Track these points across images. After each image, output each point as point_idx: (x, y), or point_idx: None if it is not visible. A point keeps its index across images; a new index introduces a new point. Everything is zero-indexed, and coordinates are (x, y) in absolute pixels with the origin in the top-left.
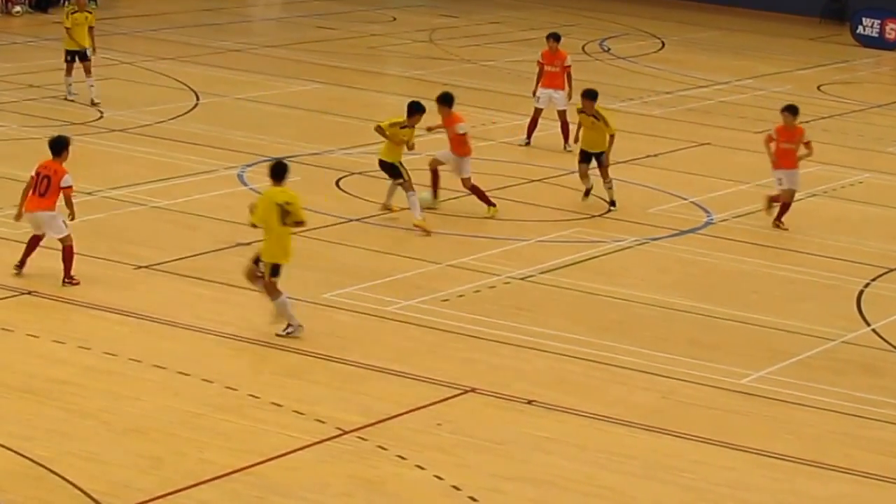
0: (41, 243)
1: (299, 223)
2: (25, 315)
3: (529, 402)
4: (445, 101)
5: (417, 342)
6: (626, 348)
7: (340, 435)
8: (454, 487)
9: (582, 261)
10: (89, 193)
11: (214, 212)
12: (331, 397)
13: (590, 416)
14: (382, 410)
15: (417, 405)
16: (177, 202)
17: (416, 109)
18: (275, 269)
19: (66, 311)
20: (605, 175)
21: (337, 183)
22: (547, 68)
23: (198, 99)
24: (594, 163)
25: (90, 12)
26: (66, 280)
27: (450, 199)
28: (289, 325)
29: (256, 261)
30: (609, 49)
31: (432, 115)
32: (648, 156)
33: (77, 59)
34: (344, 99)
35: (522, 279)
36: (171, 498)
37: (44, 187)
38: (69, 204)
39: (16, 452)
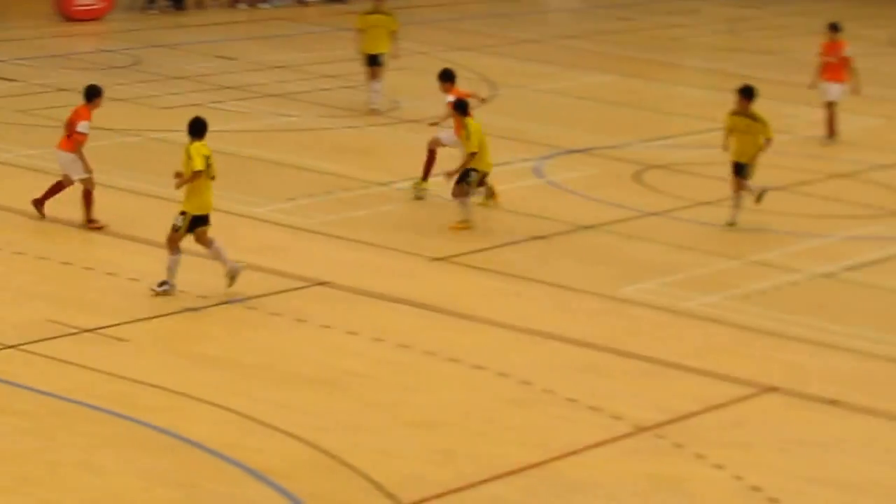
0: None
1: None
2: (319, 306)
3: (832, 403)
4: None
5: (716, 339)
6: None
7: (636, 432)
8: (754, 488)
9: (889, 258)
10: (383, 185)
11: (510, 204)
12: (627, 394)
13: None
14: (680, 408)
15: (716, 403)
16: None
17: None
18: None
19: (360, 303)
20: (739, 187)
21: (635, 176)
22: (825, 59)
23: (494, 90)
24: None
25: (388, 14)
26: (88, 223)
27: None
28: (165, 282)
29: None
30: None
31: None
32: None
33: (373, 63)
34: (641, 91)
35: (825, 276)
36: (463, 492)
37: (69, 129)
38: (79, 151)
39: (308, 443)
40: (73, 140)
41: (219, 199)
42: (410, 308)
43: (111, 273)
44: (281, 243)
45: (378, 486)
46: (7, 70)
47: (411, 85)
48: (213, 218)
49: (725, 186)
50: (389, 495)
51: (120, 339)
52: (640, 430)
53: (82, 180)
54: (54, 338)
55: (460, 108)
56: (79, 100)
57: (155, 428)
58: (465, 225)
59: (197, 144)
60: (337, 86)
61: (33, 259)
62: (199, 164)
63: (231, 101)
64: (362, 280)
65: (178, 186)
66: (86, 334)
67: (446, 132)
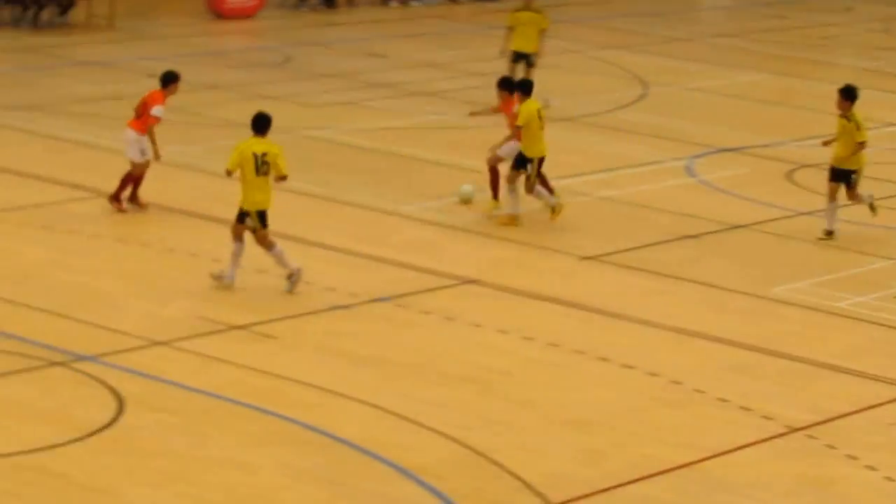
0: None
1: (282, 178)
2: (468, 304)
3: None
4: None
5: (869, 339)
6: None
7: (788, 433)
8: None
9: None
10: None
11: (662, 203)
12: (778, 394)
13: None
14: (832, 409)
15: (868, 404)
16: (623, 192)
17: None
18: (261, 218)
19: (510, 301)
20: (853, 197)
21: (787, 175)
22: None
23: (645, 88)
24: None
25: (538, 12)
26: (113, 199)
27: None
28: (291, 274)
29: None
30: None
31: None
32: None
33: (521, 61)
34: (794, 89)
35: None
36: (612, 492)
37: (140, 110)
38: (151, 134)
39: (457, 441)
40: (143, 121)
41: (368, 197)
42: (560, 307)
43: (261, 270)
44: (430, 241)
45: (526, 485)
46: (159, 67)
47: (562, 83)
48: (366, 216)
49: (879, 186)
50: (538, 494)
51: (269, 336)
52: (792, 430)
53: (137, 164)
54: (203, 334)
55: (524, 87)
56: (229, 97)
57: (303, 425)
58: (511, 220)
59: (250, 141)
60: (487, 84)
61: (184, 256)
62: (230, 165)
63: (381, 99)
64: (512, 278)
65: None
66: (235, 331)
67: (506, 146)
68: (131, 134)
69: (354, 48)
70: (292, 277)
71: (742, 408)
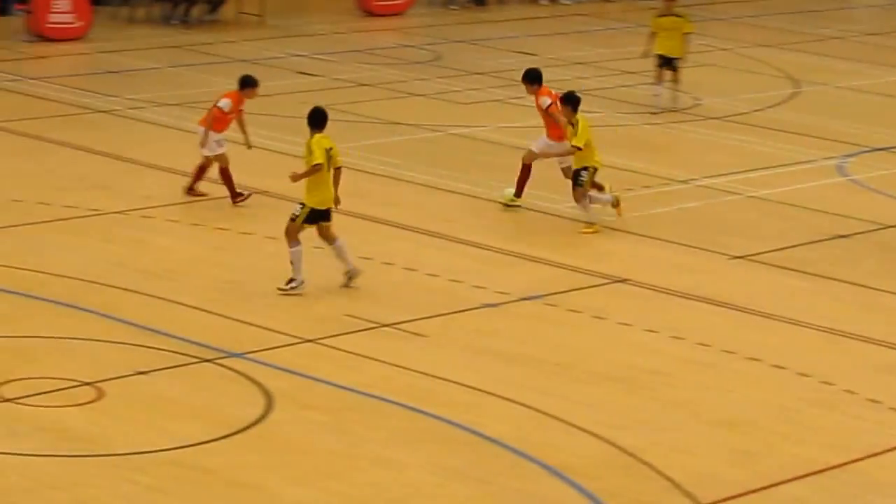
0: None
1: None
2: (618, 303)
3: None
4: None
5: None
6: None
7: None
8: None
9: None
10: (684, 182)
11: (813, 202)
12: None
13: None
14: None
15: None
16: (774, 192)
17: None
18: (312, 216)
19: (660, 300)
20: None
21: None
22: None
23: (797, 87)
24: None
25: (680, 16)
26: (233, 199)
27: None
28: (292, 280)
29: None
30: None
31: None
32: None
33: (666, 65)
34: None
35: None
36: (762, 493)
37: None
38: (207, 122)
39: (606, 441)
40: (209, 114)
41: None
42: (710, 306)
43: (410, 268)
44: (580, 240)
45: (675, 485)
46: (308, 65)
47: (713, 82)
48: (515, 214)
49: None
50: (687, 494)
51: (417, 335)
52: None
53: (216, 156)
54: (352, 332)
55: (571, 101)
56: (378, 94)
57: (452, 423)
58: (593, 229)
59: (317, 137)
60: (637, 82)
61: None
62: (318, 157)
63: (529, 97)
64: (662, 277)
65: (295, 180)
66: (384, 329)
67: (539, 141)
68: (201, 129)
69: (504, 46)
70: (292, 284)
71: (894, 409)
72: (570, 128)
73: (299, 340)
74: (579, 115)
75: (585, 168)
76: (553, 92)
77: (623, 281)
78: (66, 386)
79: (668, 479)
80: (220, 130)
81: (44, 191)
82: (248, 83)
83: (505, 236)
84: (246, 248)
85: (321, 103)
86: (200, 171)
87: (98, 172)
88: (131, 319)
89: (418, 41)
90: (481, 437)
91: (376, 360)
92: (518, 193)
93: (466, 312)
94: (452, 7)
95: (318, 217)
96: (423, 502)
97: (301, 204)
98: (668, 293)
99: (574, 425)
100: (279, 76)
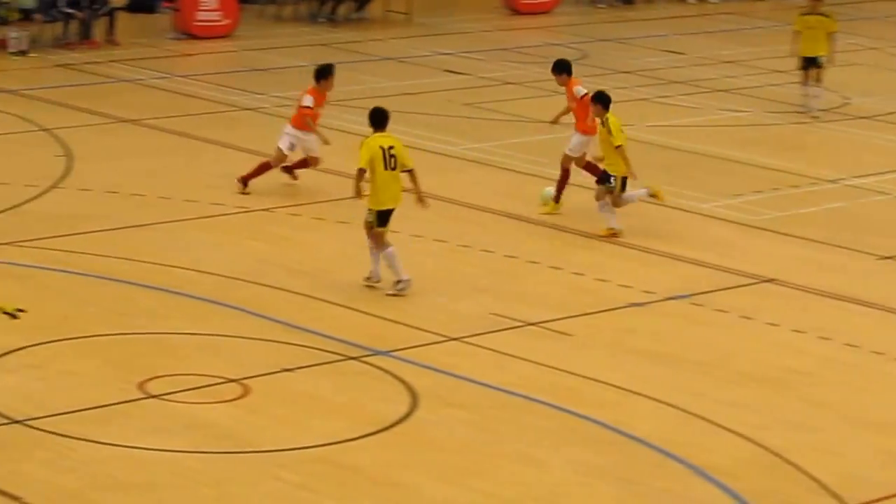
0: None
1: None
2: (765, 302)
3: None
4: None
5: None
6: None
7: None
8: None
9: None
10: (832, 181)
11: None
12: None
13: None
14: None
15: None
16: None
17: None
18: (381, 217)
19: (807, 301)
20: None
21: None
22: None
23: None
24: None
25: (826, 15)
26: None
27: None
28: (398, 282)
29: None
30: None
31: None
32: None
33: (810, 66)
34: None
35: None
36: None
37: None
38: (308, 125)
39: (751, 441)
40: (299, 114)
41: (665, 194)
42: (858, 307)
43: (556, 267)
44: (728, 239)
45: (822, 486)
46: (455, 63)
47: (862, 81)
48: (661, 213)
49: None
50: (834, 496)
51: (563, 334)
52: None
53: (309, 157)
54: (498, 331)
55: (602, 99)
56: (524, 93)
57: (597, 423)
58: (612, 232)
59: (373, 137)
60: (786, 81)
61: (478, 252)
62: (362, 162)
63: (678, 96)
64: (810, 277)
65: (356, 193)
66: (530, 328)
67: (575, 140)
68: (295, 131)
69: (650, 45)
70: (399, 285)
71: None
72: (601, 128)
73: (445, 339)
74: (610, 114)
75: (613, 175)
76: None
77: (770, 281)
78: (212, 383)
79: (815, 479)
80: (306, 129)
81: (191, 188)
82: (321, 74)
83: (651, 235)
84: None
85: (467, 101)
86: (303, 164)
87: (245, 170)
88: (277, 316)
89: (565, 39)
90: (627, 436)
91: (522, 358)
92: (557, 199)
93: (612, 311)
94: (599, 5)
95: (386, 217)
96: (568, 501)
97: (368, 209)
98: (815, 293)
99: (720, 425)
100: (426, 74)
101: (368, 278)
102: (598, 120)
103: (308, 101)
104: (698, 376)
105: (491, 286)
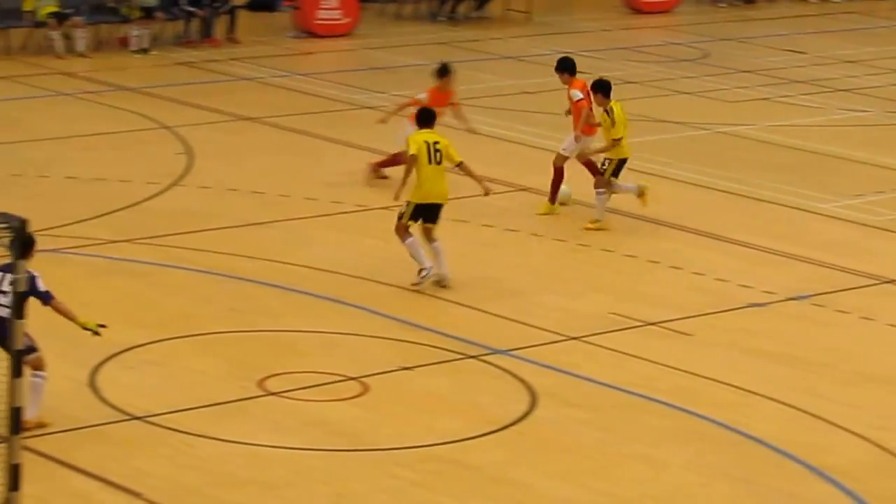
0: None
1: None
2: (888, 304)
3: None
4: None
5: None
6: None
7: None
8: None
9: None
10: None
11: None
12: None
13: None
14: None
15: None
16: None
17: None
18: (423, 211)
19: None
20: None
21: None
22: None
23: None
24: None
25: None
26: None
27: None
28: (421, 270)
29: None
30: None
31: None
32: None
33: None
34: None
35: None
36: None
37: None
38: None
39: (872, 442)
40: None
41: (784, 194)
42: None
43: (676, 266)
44: (849, 240)
45: None
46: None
47: None
48: (782, 213)
49: None
50: None
51: (683, 333)
52: None
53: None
54: (617, 330)
55: (602, 87)
56: (644, 92)
57: (716, 423)
58: (598, 225)
59: (419, 132)
60: None
61: (598, 251)
62: (412, 149)
63: (799, 95)
64: None
65: (401, 189)
66: (649, 327)
67: (567, 141)
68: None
69: (772, 44)
70: (422, 273)
71: None
72: (605, 116)
73: (564, 338)
74: (614, 102)
75: (611, 159)
76: (587, 85)
77: (891, 282)
78: (330, 381)
79: None
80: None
81: (311, 186)
82: (442, 72)
83: (772, 235)
84: (511, 244)
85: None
86: (394, 160)
87: (364, 168)
88: (396, 315)
89: (685, 38)
90: (746, 436)
91: (641, 358)
92: (553, 199)
93: (732, 312)
94: (720, 4)
95: (424, 213)
96: (687, 501)
97: (406, 202)
98: None
99: (839, 426)
100: (546, 73)
101: (433, 280)
102: (600, 109)
103: (421, 96)
104: (818, 377)
105: (611, 285)
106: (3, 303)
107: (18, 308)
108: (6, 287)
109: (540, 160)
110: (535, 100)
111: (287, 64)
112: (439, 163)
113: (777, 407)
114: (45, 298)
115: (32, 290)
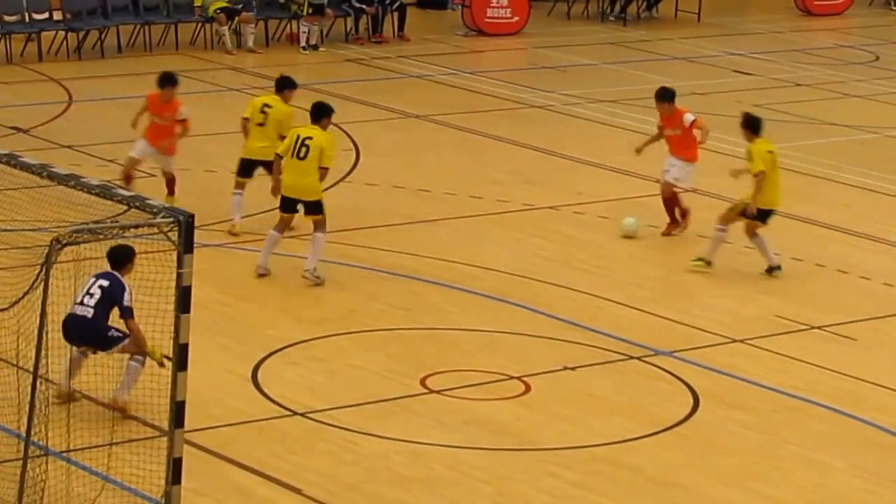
0: None
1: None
2: None
3: None
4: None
5: None
6: None
7: None
8: None
9: None
10: None
11: None
12: None
13: None
14: None
15: None
16: None
17: None
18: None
19: None
20: None
21: None
22: None
23: None
24: None
25: None
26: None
27: None
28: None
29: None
30: None
31: None
32: None
33: None
34: None
35: None
36: None
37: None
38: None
39: None
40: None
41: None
42: None
43: (842, 270)
44: None
45: None
46: (745, 64)
47: None
48: None
49: None
50: None
51: (848, 338)
52: None
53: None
54: (782, 333)
55: (753, 125)
56: (813, 94)
57: (881, 428)
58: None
59: (759, 142)
60: None
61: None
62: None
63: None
64: None
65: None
66: (813, 331)
67: (677, 168)
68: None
69: None
70: (307, 273)
71: None
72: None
73: (728, 340)
74: (760, 141)
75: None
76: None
77: None
78: (493, 379)
79: None
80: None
81: (478, 184)
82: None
83: None
84: (677, 246)
85: (757, 103)
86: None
87: (532, 167)
88: (559, 314)
89: (857, 41)
90: None
91: (805, 361)
92: (684, 215)
93: None
94: (894, 7)
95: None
96: None
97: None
98: None
99: None
100: (716, 75)
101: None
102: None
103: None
104: None
105: (776, 288)
106: (88, 304)
107: (185, 302)
108: (94, 290)
109: (710, 162)
110: (705, 101)
111: (456, 62)
112: (303, 158)
113: None
114: (125, 314)
115: (118, 300)
